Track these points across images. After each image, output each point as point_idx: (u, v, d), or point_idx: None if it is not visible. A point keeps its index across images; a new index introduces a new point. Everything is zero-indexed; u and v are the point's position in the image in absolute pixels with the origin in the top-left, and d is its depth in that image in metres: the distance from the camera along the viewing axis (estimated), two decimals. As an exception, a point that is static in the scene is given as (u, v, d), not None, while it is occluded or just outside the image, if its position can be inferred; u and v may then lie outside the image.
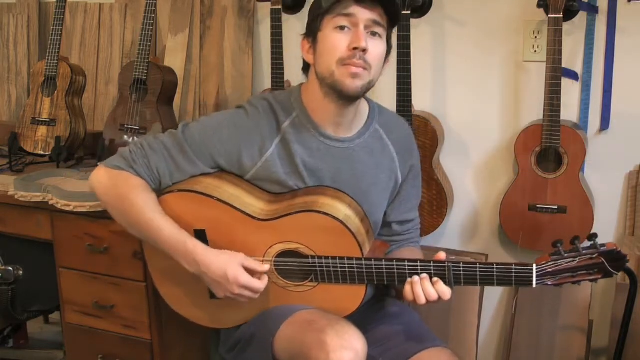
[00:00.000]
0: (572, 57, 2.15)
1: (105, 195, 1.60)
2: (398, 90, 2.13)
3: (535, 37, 2.18)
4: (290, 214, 1.52)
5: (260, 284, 1.52)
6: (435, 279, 1.45)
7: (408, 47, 2.09)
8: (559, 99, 1.98)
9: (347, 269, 1.51)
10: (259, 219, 1.54)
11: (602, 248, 1.40)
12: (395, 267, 1.49)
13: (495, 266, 1.43)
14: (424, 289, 1.45)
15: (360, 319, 1.58)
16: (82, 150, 2.53)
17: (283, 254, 1.55)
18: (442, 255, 1.48)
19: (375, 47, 1.49)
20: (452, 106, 2.33)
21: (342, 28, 1.47)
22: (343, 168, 1.61)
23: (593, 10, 2.08)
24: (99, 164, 1.64)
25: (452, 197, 2.29)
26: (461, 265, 1.45)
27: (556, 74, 1.96)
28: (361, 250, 1.51)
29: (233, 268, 1.50)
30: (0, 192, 2.13)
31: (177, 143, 1.58)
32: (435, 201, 2.22)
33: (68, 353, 2.23)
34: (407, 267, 1.48)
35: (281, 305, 1.58)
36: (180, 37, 2.62)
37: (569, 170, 2.04)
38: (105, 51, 2.75)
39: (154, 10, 2.34)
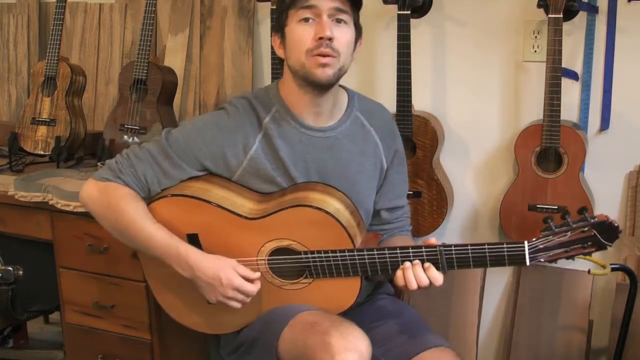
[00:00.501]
0: (572, 57, 2.15)
1: (95, 207, 1.62)
2: (398, 90, 2.13)
3: (535, 37, 2.18)
4: (279, 210, 1.53)
5: (253, 287, 1.53)
6: (427, 264, 1.45)
7: (408, 47, 2.09)
8: (559, 99, 1.98)
9: (340, 262, 1.51)
10: (249, 218, 1.55)
11: (592, 220, 1.38)
12: (387, 255, 1.49)
13: (487, 246, 1.42)
14: (416, 274, 1.45)
15: (361, 319, 1.58)
16: (82, 150, 2.53)
17: (276, 251, 1.55)
18: (433, 240, 1.48)
19: (342, 34, 1.51)
20: (452, 106, 2.33)
21: (306, 20, 1.50)
22: (328, 157, 1.62)
23: (593, 10, 2.08)
24: (90, 177, 1.67)
25: (452, 197, 2.30)
26: (453, 248, 1.44)
27: (556, 74, 1.96)
28: (352, 241, 1.51)
29: (226, 271, 1.51)
30: (0, 192, 2.13)
31: (162, 149, 1.60)
32: (435, 201, 2.22)
33: (68, 353, 2.23)
34: (399, 255, 1.48)
35: (283, 306, 1.58)
36: (180, 37, 2.62)
37: (569, 170, 2.04)
38: (105, 51, 2.75)
39: (154, 10, 2.34)
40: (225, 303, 1.54)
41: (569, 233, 1.39)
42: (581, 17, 2.11)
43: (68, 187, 2.05)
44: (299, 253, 1.54)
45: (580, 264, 2.17)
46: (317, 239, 1.52)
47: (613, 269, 1.91)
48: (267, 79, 2.54)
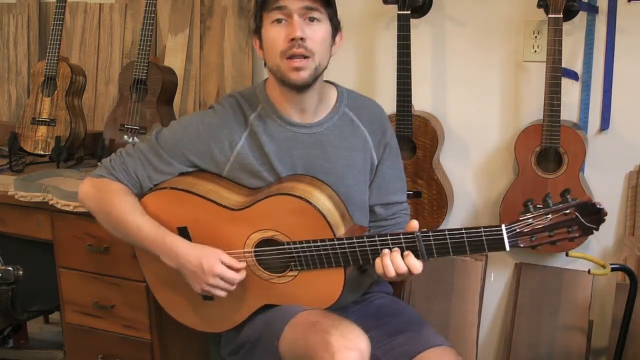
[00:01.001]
0: (572, 57, 2.15)
1: (89, 202, 1.68)
2: (398, 90, 2.13)
3: (535, 37, 2.18)
4: (262, 199, 1.54)
5: (236, 275, 1.54)
6: (406, 252, 1.43)
7: (408, 47, 2.09)
8: (559, 99, 1.98)
9: (321, 251, 1.51)
10: (233, 209, 1.56)
11: (573, 201, 1.31)
12: (367, 243, 1.47)
13: (464, 231, 1.39)
14: (393, 261, 1.43)
15: (361, 318, 1.58)
16: (82, 150, 2.53)
17: (261, 243, 1.56)
18: (413, 224, 1.46)
19: (315, 32, 1.51)
20: (452, 106, 2.33)
21: (278, 21, 1.50)
22: (314, 153, 1.62)
23: (593, 10, 2.08)
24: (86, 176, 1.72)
25: (452, 197, 2.30)
26: (430, 233, 1.42)
27: (556, 74, 1.97)
28: (332, 230, 1.50)
29: (209, 259, 1.53)
30: (0, 192, 2.13)
31: (152, 147, 1.64)
32: (435, 201, 2.22)
33: (68, 353, 2.23)
34: (378, 243, 1.46)
35: (283, 306, 1.58)
36: (180, 37, 2.62)
37: (569, 170, 2.04)
38: (105, 51, 2.75)
39: (154, 10, 2.34)
40: (209, 292, 1.55)
41: (549, 215, 1.32)
42: (581, 17, 2.11)
43: (68, 187, 2.05)
44: (282, 244, 1.54)
45: (580, 264, 2.18)
46: (299, 228, 1.52)
47: (613, 269, 1.91)
48: (267, 79, 2.54)
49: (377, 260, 1.46)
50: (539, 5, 1.99)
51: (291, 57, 1.49)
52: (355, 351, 1.39)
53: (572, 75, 2.14)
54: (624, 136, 2.14)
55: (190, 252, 1.55)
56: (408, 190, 2.19)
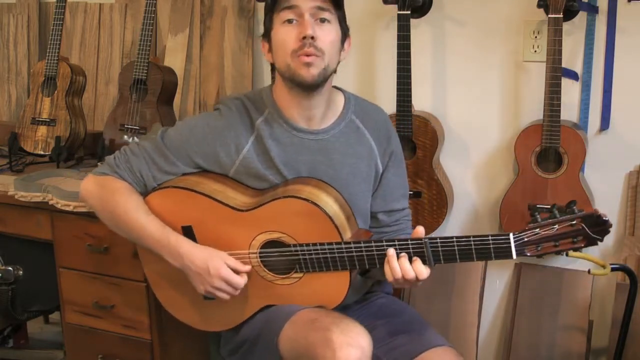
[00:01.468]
0: (572, 57, 2.15)
1: (92, 200, 1.67)
2: (398, 90, 2.13)
3: (535, 37, 2.18)
4: (269, 201, 1.54)
5: (240, 279, 1.54)
6: (414, 258, 1.44)
7: (408, 47, 2.09)
8: (559, 99, 1.98)
9: (328, 255, 1.51)
10: (240, 210, 1.56)
11: (580, 213, 1.34)
12: (374, 248, 1.48)
13: (472, 238, 1.41)
14: (401, 264, 1.44)
15: (362, 318, 1.58)
16: (82, 150, 2.53)
17: (267, 244, 1.56)
18: (419, 230, 1.46)
19: (326, 33, 1.51)
20: (452, 106, 2.33)
21: (289, 21, 1.51)
22: (319, 160, 1.62)
23: (593, 10, 2.08)
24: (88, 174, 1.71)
25: (452, 197, 2.30)
26: (438, 240, 1.43)
27: (556, 74, 1.97)
28: (339, 233, 1.51)
29: (215, 261, 1.53)
30: (0, 192, 2.13)
31: (157, 147, 1.64)
32: (435, 201, 2.22)
33: (68, 353, 2.23)
34: (385, 247, 1.47)
35: (283, 305, 1.58)
36: (180, 37, 2.62)
37: (569, 170, 2.04)
38: (105, 51, 2.75)
39: (154, 10, 2.34)
40: (213, 294, 1.55)
41: (556, 226, 1.36)
42: (581, 17, 2.11)
43: (68, 187, 2.05)
44: (288, 246, 1.54)
45: (580, 264, 2.18)
46: (305, 231, 1.52)
47: (613, 269, 1.91)
48: (267, 79, 2.54)
49: (385, 266, 1.46)
50: (539, 5, 1.99)
51: (302, 55, 1.49)
52: (357, 348, 1.39)
53: (572, 75, 2.14)
54: (624, 136, 2.14)
55: (195, 253, 1.54)
56: (408, 191, 2.20)
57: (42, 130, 2.48)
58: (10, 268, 2.10)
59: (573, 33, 2.13)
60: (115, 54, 2.74)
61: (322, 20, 1.51)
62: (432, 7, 2.24)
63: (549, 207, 2.03)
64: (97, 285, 2.07)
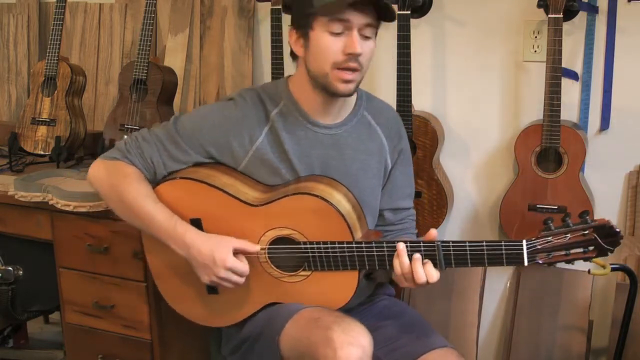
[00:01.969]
0: (572, 57, 2.15)
1: (100, 184, 1.65)
2: (398, 90, 2.13)
3: (535, 37, 2.18)
4: (282, 197, 1.54)
5: (246, 267, 1.54)
6: (425, 260, 1.45)
7: (408, 47, 2.09)
8: (559, 99, 1.98)
9: (338, 254, 1.51)
10: (252, 205, 1.55)
11: (592, 223, 1.36)
12: (385, 249, 1.49)
13: (485, 243, 1.41)
14: (413, 266, 1.44)
15: (364, 319, 1.58)
16: (82, 150, 2.53)
17: (276, 241, 1.56)
18: (432, 233, 1.47)
19: (367, 48, 1.52)
20: (452, 106, 2.33)
21: (337, 33, 1.49)
22: (331, 154, 1.63)
23: (593, 10, 2.08)
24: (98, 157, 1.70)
25: (452, 197, 2.30)
26: (450, 244, 1.43)
27: (556, 74, 1.96)
28: (351, 232, 1.51)
29: (221, 251, 1.52)
30: (0, 192, 2.13)
31: (169, 134, 1.62)
32: (435, 201, 2.22)
33: (68, 353, 2.23)
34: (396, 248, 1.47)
35: (285, 304, 1.58)
36: (180, 37, 2.62)
37: (569, 170, 2.04)
38: (105, 51, 2.75)
39: (154, 10, 2.34)
40: (218, 284, 1.55)
41: (568, 235, 1.37)
42: (581, 17, 2.11)
43: (68, 187, 2.05)
44: (298, 243, 1.54)
45: (580, 264, 2.15)
46: (317, 229, 1.52)
47: (613, 269, 1.91)
48: (267, 79, 2.54)
49: (395, 262, 1.47)
50: (539, 5, 1.99)
51: (344, 69, 1.50)
52: (358, 347, 1.39)
53: (572, 75, 2.14)
54: (624, 136, 2.14)
55: (201, 243, 1.53)
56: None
57: (42, 130, 2.48)
58: (10, 268, 2.10)
59: (573, 33, 2.13)
60: (115, 54, 2.74)
61: (365, 36, 1.51)
62: (432, 7, 2.24)
63: (549, 207, 2.06)
64: (97, 285, 2.07)
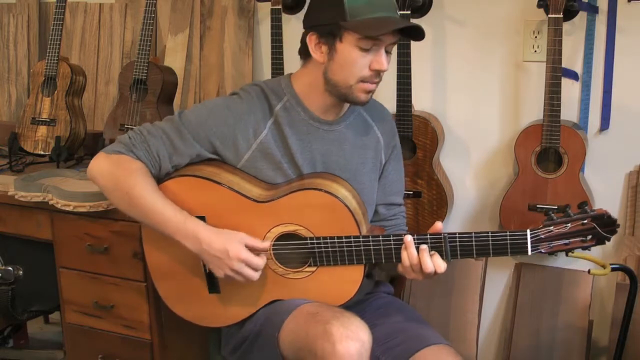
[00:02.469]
0: (572, 57, 2.15)
1: (104, 178, 1.61)
2: (398, 90, 2.13)
3: (535, 37, 2.18)
4: (288, 193, 1.54)
5: (260, 260, 1.53)
6: (432, 252, 1.48)
7: (408, 47, 2.10)
8: (559, 99, 1.98)
9: (345, 248, 1.52)
10: (258, 201, 1.56)
11: (591, 212, 1.42)
12: (392, 242, 1.51)
13: (490, 234, 1.46)
14: (421, 257, 1.48)
15: (362, 317, 1.58)
16: (82, 150, 2.53)
17: (281, 237, 1.56)
18: (438, 226, 1.51)
19: (389, 63, 1.56)
20: (452, 106, 2.33)
21: (367, 50, 1.51)
22: (332, 149, 1.65)
23: (593, 10, 2.08)
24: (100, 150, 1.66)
25: (452, 197, 2.29)
26: (457, 235, 1.47)
27: (556, 74, 1.97)
28: (358, 227, 1.52)
29: (234, 244, 1.51)
30: (0, 192, 2.13)
31: (175, 127, 1.61)
32: (435, 201, 2.22)
33: (68, 353, 2.23)
34: (402, 242, 1.50)
35: (284, 300, 1.59)
36: (180, 37, 2.62)
37: (569, 170, 2.04)
38: (105, 51, 2.75)
39: (154, 10, 2.34)
40: (232, 277, 1.53)
41: (569, 224, 1.43)
42: (581, 17, 2.11)
43: (68, 187, 2.05)
44: (304, 239, 1.54)
45: (580, 264, 2.18)
46: (324, 224, 1.53)
47: (613, 269, 1.91)
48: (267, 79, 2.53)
49: (403, 254, 1.49)
50: (539, 5, 1.99)
51: (368, 82, 1.54)
52: (356, 341, 1.40)
53: (572, 75, 2.14)
54: (624, 136, 2.14)
55: (213, 237, 1.52)
56: (408, 191, 2.20)
57: (42, 130, 2.48)
58: (10, 268, 2.09)
59: (573, 33, 2.13)
60: (115, 54, 2.74)
61: (388, 52, 1.55)
62: (432, 7, 2.24)
63: (549, 207, 2.06)
64: (97, 285, 2.07)
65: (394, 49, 2.08)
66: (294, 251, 1.56)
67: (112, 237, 1.99)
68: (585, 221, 1.42)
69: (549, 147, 2.04)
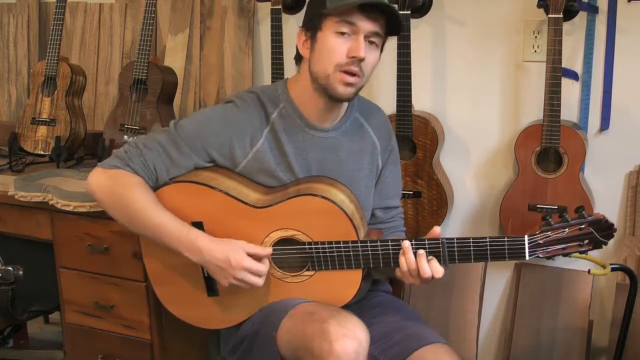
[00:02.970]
0: (572, 57, 2.15)
1: (102, 193, 1.61)
2: (398, 90, 2.13)
3: (535, 37, 2.18)
4: (286, 199, 1.54)
5: (263, 266, 1.53)
6: (429, 257, 1.48)
7: (408, 47, 2.09)
8: (559, 99, 1.98)
9: (343, 253, 1.52)
10: (256, 207, 1.56)
11: (589, 217, 1.43)
12: (390, 247, 1.51)
13: (488, 239, 1.46)
14: (418, 262, 1.48)
15: (360, 316, 1.58)
16: (82, 150, 2.53)
17: (279, 242, 1.56)
18: (436, 230, 1.51)
19: (371, 56, 1.54)
20: (452, 106, 2.33)
21: (342, 34, 1.51)
22: (328, 156, 1.65)
23: (593, 10, 2.08)
24: (97, 165, 1.66)
25: (452, 197, 2.29)
26: (455, 240, 1.47)
27: (556, 74, 1.97)
28: (356, 232, 1.52)
29: (236, 253, 1.51)
30: (0, 192, 2.13)
31: (171, 139, 1.61)
32: (435, 201, 2.22)
33: (68, 353, 2.23)
34: (400, 246, 1.50)
35: (282, 299, 1.59)
36: (180, 37, 2.62)
37: (569, 170, 2.04)
38: (105, 51, 2.75)
39: (154, 10, 2.34)
40: (236, 286, 1.53)
41: (566, 229, 1.43)
42: (581, 17, 2.11)
43: (68, 187, 2.05)
44: (302, 244, 1.54)
45: (580, 264, 2.18)
46: (322, 229, 1.53)
47: (613, 269, 1.91)
48: (267, 79, 2.54)
49: (401, 259, 1.49)
50: (539, 5, 1.99)
51: (345, 72, 1.52)
52: (354, 340, 1.40)
53: (572, 75, 2.14)
54: (624, 136, 2.14)
55: (215, 247, 1.52)
56: (408, 190, 2.20)
57: (42, 130, 2.48)
58: (10, 268, 2.09)
59: (573, 33, 2.13)
60: (115, 54, 2.74)
61: (371, 43, 1.53)
62: (432, 7, 2.25)
63: (549, 207, 2.06)
64: (97, 285, 2.07)
65: (394, 49, 2.10)
66: (292, 256, 1.56)
67: (112, 237, 1.99)
68: (583, 226, 1.43)
69: (549, 147, 2.04)
